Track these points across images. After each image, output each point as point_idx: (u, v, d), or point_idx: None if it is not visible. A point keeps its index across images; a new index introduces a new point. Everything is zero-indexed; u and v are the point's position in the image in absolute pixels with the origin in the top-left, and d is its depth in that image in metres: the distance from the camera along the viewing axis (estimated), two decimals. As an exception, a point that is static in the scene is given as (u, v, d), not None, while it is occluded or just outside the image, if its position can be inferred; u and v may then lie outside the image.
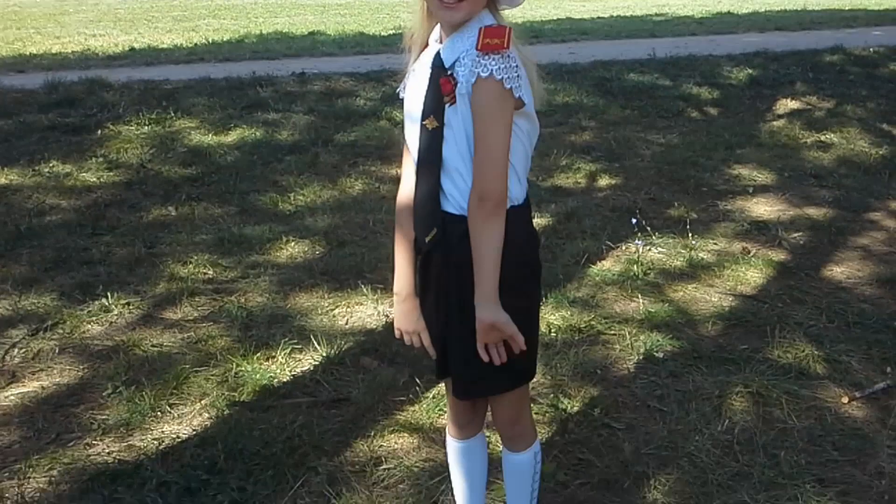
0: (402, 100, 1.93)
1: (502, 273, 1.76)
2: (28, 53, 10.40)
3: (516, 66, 1.71)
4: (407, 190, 1.92)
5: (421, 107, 1.80)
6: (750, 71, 8.25)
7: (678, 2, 19.62)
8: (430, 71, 1.79)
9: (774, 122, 6.91)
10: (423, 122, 1.78)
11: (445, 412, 2.84)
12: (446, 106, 1.74)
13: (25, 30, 14.57)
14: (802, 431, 2.78)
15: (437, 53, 1.78)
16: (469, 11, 1.72)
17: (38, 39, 12.43)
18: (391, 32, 12.46)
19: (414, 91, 1.84)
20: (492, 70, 1.68)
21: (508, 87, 1.69)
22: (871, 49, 9.38)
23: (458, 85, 1.72)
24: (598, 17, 14.97)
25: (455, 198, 1.79)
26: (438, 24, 1.82)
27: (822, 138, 6.51)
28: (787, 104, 7.39)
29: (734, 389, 3.02)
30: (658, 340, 3.37)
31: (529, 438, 2.07)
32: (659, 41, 10.45)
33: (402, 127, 1.97)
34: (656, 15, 15.78)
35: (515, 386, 1.95)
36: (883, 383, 3.04)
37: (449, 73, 1.73)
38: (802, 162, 5.96)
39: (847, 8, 16.34)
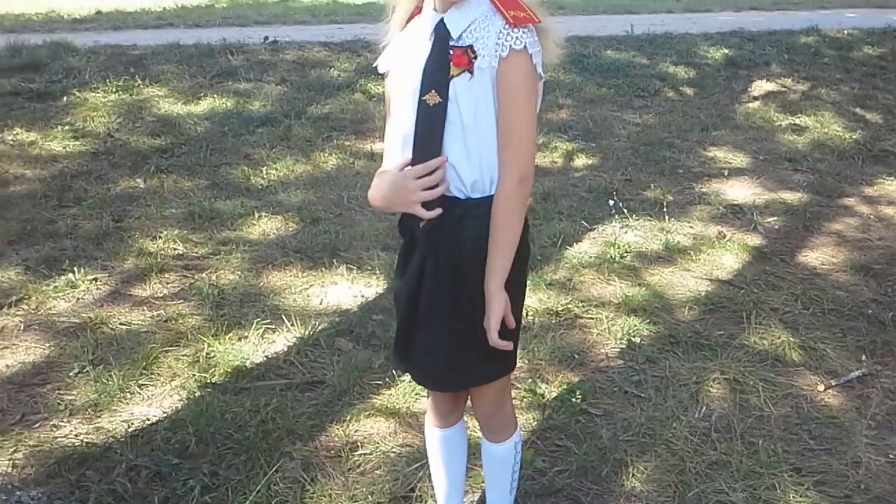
0: (383, 73, 1.80)
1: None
2: (-11, 14, 10.05)
3: (537, 40, 1.66)
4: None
5: (419, 80, 1.68)
6: (726, 51, 8.23)
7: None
8: (431, 40, 1.68)
9: (750, 104, 6.92)
10: (423, 98, 1.66)
11: (423, 396, 2.80)
12: (451, 80, 1.64)
13: (-14, -12, 14.08)
14: (779, 419, 2.79)
15: (441, 22, 1.67)
16: None
17: (0, -1, 12.03)
18: (365, 1, 12.25)
19: (408, 62, 1.72)
20: (525, 43, 1.61)
21: (535, 61, 1.64)
22: (845, 31, 9.41)
23: (480, 58, 1.62)
24: (575, -8, 14.82)
25: (454, 179, 1.70)
26: None
27: (797, 121, 6.53)
28: (763, 86, 7.39)
29: (711, 376, 3.02)
30: (635, 325, 3.36)
31: (510, 429, 2.04)
32: (636, 17, 10.39)
33: (382, 101, 1.87)
34: (633, -9, 15.66)
35: (497, 377, 1.90)
36: (858, 371, 3.06)
37: (463, 44, 1.63)
38: (777, 145, 5.98)
39: (821, -11, 16.35)
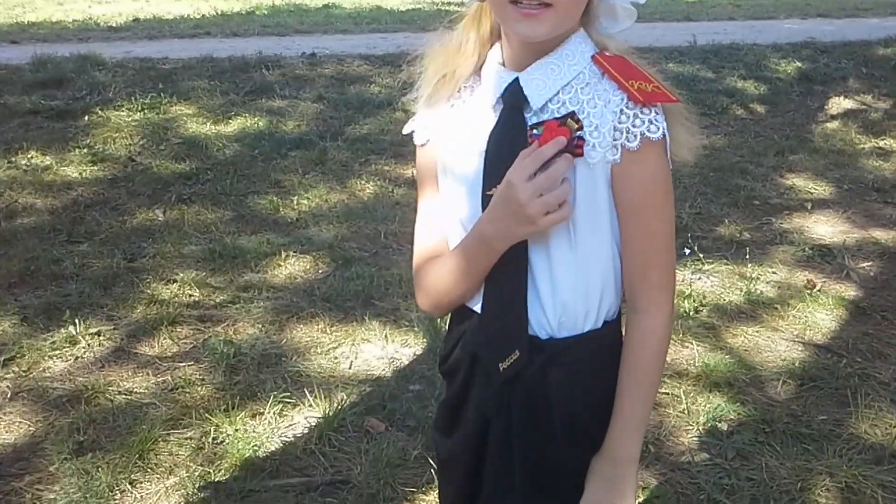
0: (422, 145, 1.29)
1: (594, 420, 1.24)
2: (26, 22, 9.83)
3: None
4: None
5: (478, 167, 1.17)
6: (798, 64, 7.59)
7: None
8: (496, 108, 1.18)
9: (828, 124, 6.29)
10: (490, 192, 1.16)
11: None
12: None
13: (29, -6, 13.97)
14: (909, 547, 2.25)
15: (514, 85, 1.16)
16: (556, 24, 1.11)
17: (40, 5, 11.86)
18: (409, 7, 11.82)
19: (462, 136, 1.21)
20: (662, 129, 1.13)
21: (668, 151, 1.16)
22: (926, 41, 8.68)
23: (590, 144, 1.12)
24: (628, -3, 14.20)
25: (535, 312, 1.20)
26: (499, 46, 1.22)
27: (881, 144, 5.89)
28: (840, 103, 6.75)
29: (818, 480, 2.48)
30: (720, 405, 2.83)
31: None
32: (696, 26, 9.77)
33: (417, 184, 1.37)
34: (688, -6, 14.98)
35: None
36: None
37: (562, 117, 1.12)
38: (862, 172, 5.36)
39: (889, -8, 15.47)
